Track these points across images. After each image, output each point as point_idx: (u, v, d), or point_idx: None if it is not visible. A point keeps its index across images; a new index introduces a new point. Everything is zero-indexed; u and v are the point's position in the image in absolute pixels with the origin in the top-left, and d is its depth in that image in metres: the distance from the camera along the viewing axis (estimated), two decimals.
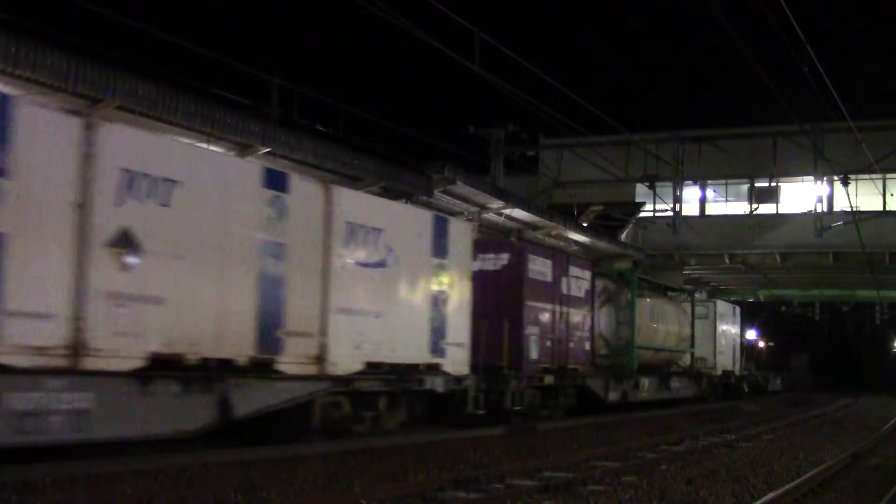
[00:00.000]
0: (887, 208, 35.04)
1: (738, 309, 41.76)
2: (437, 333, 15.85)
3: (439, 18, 15.05)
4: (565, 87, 18.27)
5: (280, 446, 12.75)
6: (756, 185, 38.53)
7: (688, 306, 32.99)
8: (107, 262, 10.37)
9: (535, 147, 39.12)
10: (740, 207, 39.08)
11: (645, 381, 27.35)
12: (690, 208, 39.17)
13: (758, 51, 37.55)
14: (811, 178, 37.09)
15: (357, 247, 14.07)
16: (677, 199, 38.10)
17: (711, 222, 38.30)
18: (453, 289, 16.32)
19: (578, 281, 22.02)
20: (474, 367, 16.95)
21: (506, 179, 33.31)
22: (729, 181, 39.41)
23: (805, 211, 36.98)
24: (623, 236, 34.87)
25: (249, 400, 12.12)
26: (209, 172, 11.88)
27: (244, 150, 14.64)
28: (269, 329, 12.44)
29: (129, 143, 10.86)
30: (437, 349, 15.83)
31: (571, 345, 21.50)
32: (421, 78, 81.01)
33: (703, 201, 39.53)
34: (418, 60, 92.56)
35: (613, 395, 24.66)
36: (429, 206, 18.59)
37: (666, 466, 12.89)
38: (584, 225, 30.07)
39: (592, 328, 23.11)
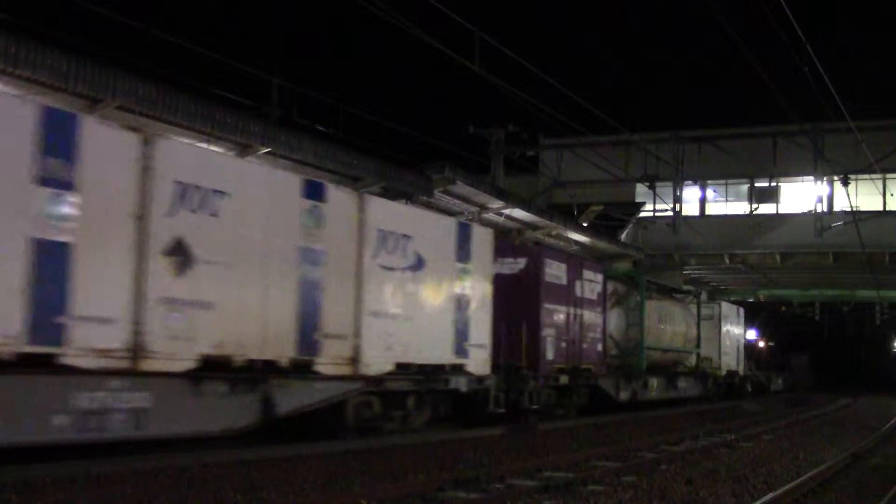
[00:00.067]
0: (887, 208, 35.05)
1: (741, 310, 42.33)
2: (461, 335, 16.43)
3: (439, 18, 15.03)
4: (565, 87, 18.28)
5: (280, 446, 12.77)
6: (756, 185, 38.53)
7: (693, 307, 33.71)
8: (162, 270, 10.98)
9: (535, 147, 39.12)
10: (740, 207, 39.08)
11: (653, 381, 27.90)
12: (690, 208, 39.17)
13: (758, 51, 37.50)
14: (811, 178, 37.09)
15: (388, 253, 14.68)
16: (677, 199, 38.10)
17: (711, 222, 38.30)
18: (476, 292, 16.92)
19: (591, 284, 22.58)
20: (495, 367, 17.46)
21: (506, 179, 33.31)
22: (729, 181, 39.40)
23: (805, 211, 36.98)
24: (623, 236, 34.88)
25: (290, 399, 12.71)
26: (254, 184, 12.47)
27: (244, 150, 14.65)
28: (308, 332, 13.04)
29: (182, 157, 11.50)
30: (460, 350, 16.41)
31: (585, 346, 22.05)
32: (421, 78, 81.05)
33: (703, 201, 39.54)
34: (418, 60, 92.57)
35: (624, 395, 25.21)
36: (428, 205, 18.62)
37: (666, 466, 12.89)
38: (584, 225, 30.08)
39: (604, 329, 23.68)
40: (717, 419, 24.18)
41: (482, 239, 17.33)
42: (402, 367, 14.87)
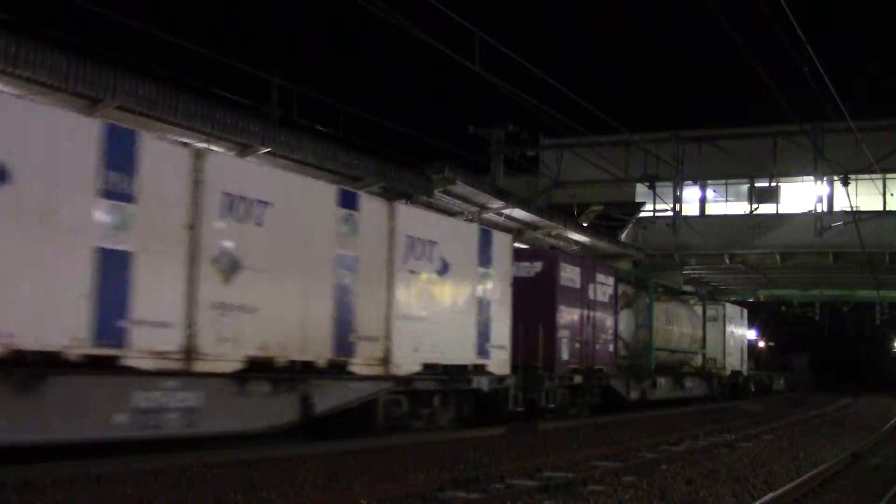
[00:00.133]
0: (887, 208, 35.05)
1: (745, 311, 42.90)
2: (483, 337, 17.11)
3: (439, 18, 15.03)
4: (565, 87, 18.28)
5: (280, 446, 12.78)
6: (756, 185, 38.53)
7: (699, 309, 34.53)
8: (212, 277, 11.63)
9: (535, 147, 39.13)
10: (740, 207, 39.08)
11: (661, 381, 28.55)
12: (690, 208, 39.17)
13: (758, 51, 37.51)
14: (811, 178, 37.09)
15: (415, 258, 15.35)
16: (677, 199, 38.10)
17: (711, 222, 38.30)
18: (496, 295, 17.60)
19: (603, 287, 23.29)
20: (514, 367, 18.11)
21: (506, 179, 33.32)
22: (729, 181, 39.41)
23: (805, 211, 36.98)
24: (623, 236, 34.88)
25: (326, 398, 13.36)
26: (294, 194, 13.13)
27: (244, 150, 14.64)
28: (344, 334, 13.71)
29: (229, 169, 12.20)
30: (482, 351, 17.09)
31: (597, 347, 22.73)
32: (421, 78, 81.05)
33: (703, 201, 39.54)
34: (418, 60, 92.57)
35: (634, 394, 25.87)
36: (429, 205, 18.63)
37: (666, 466, 12.89)
38: (584, 225, 30.09)
39: (615, 331, 24.33)
40: (717, 419, 24.18)
41: (502, 244, 18.04)
42: (428, 368, 15.50)
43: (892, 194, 34.39)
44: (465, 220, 18.47)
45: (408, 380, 15.05)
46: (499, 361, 17.54)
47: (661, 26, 79.89)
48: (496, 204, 21.68)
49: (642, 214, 38.36)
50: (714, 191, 39.79)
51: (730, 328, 38.45)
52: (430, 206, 18.75)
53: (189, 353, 11.24)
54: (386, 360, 14.52)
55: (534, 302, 19.56)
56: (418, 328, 15.25)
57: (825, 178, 36.73)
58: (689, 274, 40.89)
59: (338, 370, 13.62)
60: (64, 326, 9.97)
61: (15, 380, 9.47)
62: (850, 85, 64.31)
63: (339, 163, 16.10)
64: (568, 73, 67.55)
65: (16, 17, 14.54)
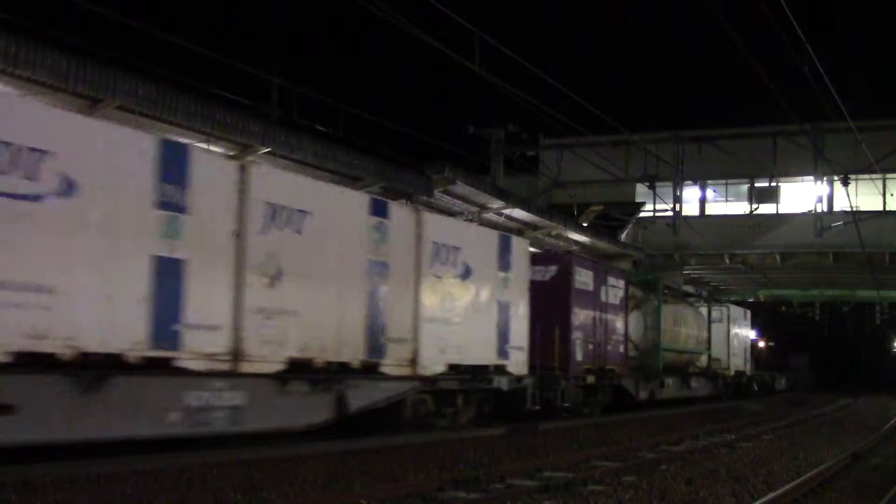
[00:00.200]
0: (887, 208, 35.04)
1: (748, 312, 43.70)
2: (503, 338, 17.78)
3: (439, 18, 15.03)
4: (565, 87, 18.27)
5: (280, 446, 12.79)
6: (756, 185, 38.52)
7: (704, 310, 35.31)
8: (257, 282, 12.26)
9: (535, 147, 39.12)
10: (740, 207, 39.07)
11: (669, 381, 29.27)
12: (690, 208, 39.17)
13: (758, 51, 37.54)
14: (811, 178, 37.08)
15: (441, 263, 16.03)
16: (677, 199, 38.09)
17: (711, 222, 38.30)
18: (515, 298, 18.27)
19: (614, 289, 24.00)
20: (531, 367, 18.72)
21: (506, 179, 33.31)
22: (729, 181, 39.41)
23: (805, 211, 36.97)
24: (623, 236, 34.88)
25: (360, 397, 13.97)
26: (330, 203, 13.76)
27: (244, 150, 14.64)
28: (376, 336, 14.40)
29: (271, 181, 12.80)
30: (502, 352, 17.77)
31: (609, 347, 23.38)
32: (421, 78, 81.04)
33: (703, 201, 39.54)
34: (418, 60, 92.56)
35: (643, 394, 26.62)
36: (429, 206, 18.65)
37: (666, 466, 12.89)
38: (584, 225, 30.09)
39: (626, 332, 24.99)
40: (717, 419, 24.19)
41: (520, 249, 18.74)
42: (452, 368, 16.14)
43: (892, 194, 34.37)
44: (487, 227, 19.31)
45: (434, 380, 15.68)
46: (517, 362, 18.19)
47: (661, 26, 79.93)
48: (496, 204, 21.68)
49: (642, 214, 38.36)
50: (714, 191, 39.78)
51: (734, 329, 39.16)
52: (430, 206, 18.76)
53: (236, 354, 11.87)
54: (413, 361, 15.15)
55: (549, 304, 20.10)
56: (443, 330, 15.93)
57: (825, 178, 36.73)
58: (689, 274, 40.89)
59: (370, 371, 14.27)
60: (125, 330, 10.58)
61: (81, 380, 10.04)
62: (850, 85, 64.29)
63: (339, 163, 16.10)
64: (568, 73, 67.59)
65: (16, 17, 14.55)
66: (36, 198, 9.74)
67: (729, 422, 22.49)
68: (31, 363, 9.64)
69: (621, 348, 24.45)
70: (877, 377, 66.81)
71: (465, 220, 18.70)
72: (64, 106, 11.63)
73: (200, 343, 11.41)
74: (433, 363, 15.62)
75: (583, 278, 21.96)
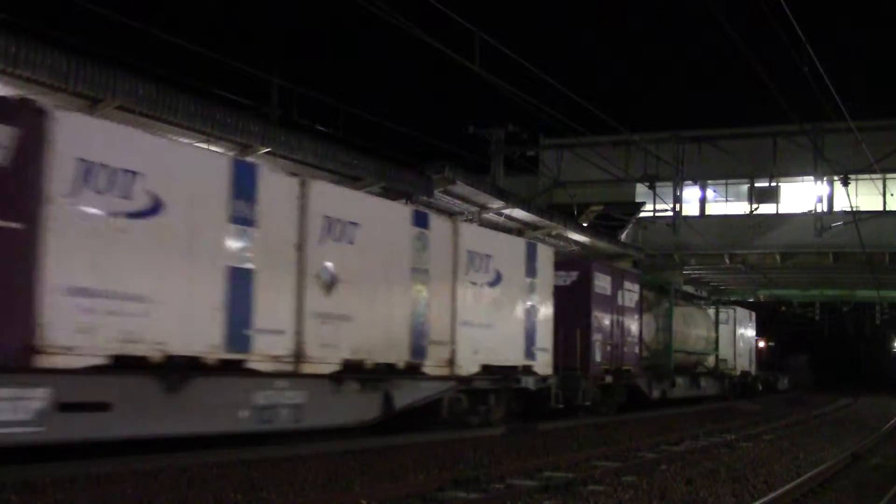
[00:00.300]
0: (887, 208, 35.03)
1: (753, 314, 44.68)
2: (530, 340, 18.86)
3: (439, 18, 15.03)
4: (565, 87, 18.26)
5: (280, 446, 12.81)
6: (756, 185, 38.52)
7: (712, 312, 36.54)
8: (315, 290, 13.21)
9: (535, 147, 39.12)
10: (740, 207, 39.07)
11: (679, 381, 30.36)
12: (690, 208, 39.17)
13: (758, 51, 37.45)
14: (811, 178, 37.08)
15: (475, 270, 17.07)
16: (677, 199, 38.10)
17: (711, 222, 38.31)
18: (540, 303, 19.39)
19: (630, 293, 25.13)
20: (555, 368, 19.78)
21: (506, 179, 33.31)
22: (729, 181, 39.41)
23: (805, 211, 36.97)
24: (623, 236, 34.87)
25: (404, 396, 15.07)
26: (377, 215, 14.77)
27: (244, 149, 14.64)
28: (418, 339, 15.41)
29: (328, 195, 13.69)
30: (529, 353, 18.84)
31: (625, 349, 24.46)
32: (421, 78, 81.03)
33: (703, 201, 39.54)
34: (418, 60, 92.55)
35: (656, 393, 27.87)
36: (429, 206, 18.66)
37: (666, 466, 12.88)
38: (584, 225, 30.10)
39: (640, 334, 26.05)
40: (717, 419, 24.18)
41: (545, 256, 19.80)
42: (485, 369, 17.12)
43: (892, 194, 34.37)
44: (516, 236, 20.63)
45: (469, 379, 16.70)
46: (543, 363, 19.30)
47: (661, 26, 79.91)
48: (496, 204, 21.68)
49: (642, 214, 38.37)
50: (714, 191, 39.78)
51: (740, 330, 40.01)
52: (430, 206, 18.77)
53: (298, 356, 12.81)
54: (451, 362, 16.14)
55: (571, 308, 21.13)
56: (477, 333, 16.93)
57: (825, 178, 36.73)
58: (689, 274, 40.89)
59: (413, 371, 15.26)
60: (203, 334, 11.53)
61: (167, 381, 11.00)
62: (850, 85, 64.19)
63: (339, 163, 16.11)
64: (568, 73, 67.53)
65: (16, 17, 14.55)
66: (129, 215, 10.67)
67: (729, 422, 22.48)
68: (124, 365, 10.51)
69: (636, 349, 25.45)
70: (877, 377, 66.71)
71: (498, 231, 19.71)
72: (63, 105, 11.61)
73: (267, 346, 12.35)
74: (468, 364, 16.60)
75: (601, 283, 23.04)
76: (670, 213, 37.44)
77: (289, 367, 12.70)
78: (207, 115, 13.56)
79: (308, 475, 10.58)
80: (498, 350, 17.60)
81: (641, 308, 26.20)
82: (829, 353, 70.83)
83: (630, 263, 30.39)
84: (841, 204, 35.43)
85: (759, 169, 37.51)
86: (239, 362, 12.01)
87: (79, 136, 10.20)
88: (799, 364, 63.40)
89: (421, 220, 15.71)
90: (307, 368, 12.94)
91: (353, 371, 13.80)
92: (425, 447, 13.94)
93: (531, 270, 19.00)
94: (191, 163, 11.67)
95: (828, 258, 36.32)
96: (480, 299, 17.20)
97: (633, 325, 25.17)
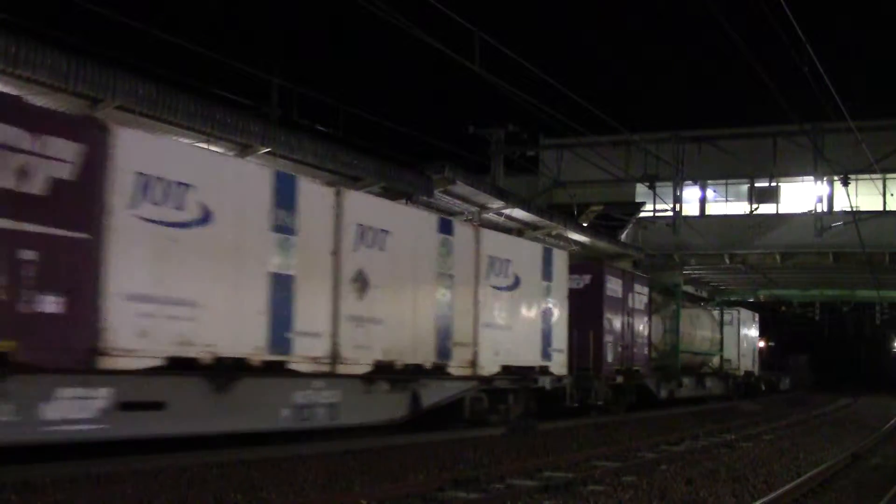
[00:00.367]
0: (887, 208, 35.01)
1: (757, 315, 45.98)
2: (546, 341, 19.67)
3: (439, 18, 15.03)
4: (565, 87, 18.25)
5: (280, 446, 12.81)
6: (756, 185, 38.49)
7: (717, 314, 37.90)
8: (350, 294, 13.95)
9: (535, 147, 39.08)
10: (740, 207, 39.02)
11: (686, 381, 31.23)
12: (690, 208, 39.11)
13: (758, 51, 37.46)
14: (811, 178, 37.05)
15: (495, 275, 17.85)
16: (677, 199, 38.06)
17: (711, 222, 38.26)
18: (556, 305, 20.24)
19: (639, 296, 26.01)
20: (569, 368, 20.58)
21: (506, 179, 33.28)
22: (729, 181, 39.37)
23: (805, 211, 36.93)
24: (623, 236, 34.84)
25: (430, 396, 15.76)
26: (405, 223, 15.48)
27: (244, 150, 14.63)
28: (444, 341, 16.18)
29: (360, 204, 14.41)
30: (546, 354, 19.66)
31: (635, 350, 25.32)
32: (421, 78, 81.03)
33: (703, 201, 39.49)
34: (418, 60, 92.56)
35: (664, 393, 28.81)
36: (429, 206, 18.67)
37: (666, 466, 12.88)
38: (584, 225, 30.09)
39: (649, 335, 26.98)
40: (717, 419, 24.18)
41: (560, 260, 20.65)
42: (504, 369, 17.86)
43: (892, 194, 34.33)
44: (532, 241, 21.22)
45: (490, 379, 17.44)
46: (558, 363, 20.14)
47: (661, 26, 79.93)
48: (496, 204, 21.67)
49: (642, 214, 38.32)
50: (714, 191, 39.74)
51: (743, 331, 41.16)
52: (430, 206, 18.78)
53: (334, 358, 13.52)
54: (474, 363, 16.90)
55: (584, 310, 21.85)
56: (497, 335, 17.70)
57: (825, 178, 36.68)
58: (689, 274, 40.83)
59: (439, 372, 15.97)
60: (249, 337, 12.21)
61: (216, 381, 11.64)
62: (850, 85, 64.23)
63: (339, 163, 16.11)
64: (568, 73, 67.59)
65: (16, 17, 14.53)
66: (182, 225, 11.31)
67: (729, 422, 22.48)
68: (177, 366, 11.13)
69: (645, 350, 26.26)
70: (877, 377, 66.76)
71: (516, 236, 20.72)
72: (63, 105, 11.62)
73: (306, 348, 13.06)
74: (489, 364, 17.34)
75: (613, 286, 23.79)
76: (670, 213, 37.41)
77: (325, 368, 13.34)
78: (207, 115, 13.56)
79: (308, 475, 10.58)
80: (517, 351, 18.33)
81: (650, 310, 26.83)
82: (829, 353, 70.85)
83: (630, 263, 30.39)
84: (841, 204, 35.40)
85: (759, 169, 37.48)
86: (281, 363, 12.70)
87: (137, 150, 10.82)
88: (799, 364, 63.44)
89: (446, 227, 16.44)
90: (342, 369, 13.63)
91: (383, 372, 14.46)
92: (425, 447, 13.94)
93: (547, 274, 19.76)
94: (237, 175, 12.37)
95: (828, 258, 36.28)
96: (501, 302, 17.94)
97: (642, 327, 25.85)
